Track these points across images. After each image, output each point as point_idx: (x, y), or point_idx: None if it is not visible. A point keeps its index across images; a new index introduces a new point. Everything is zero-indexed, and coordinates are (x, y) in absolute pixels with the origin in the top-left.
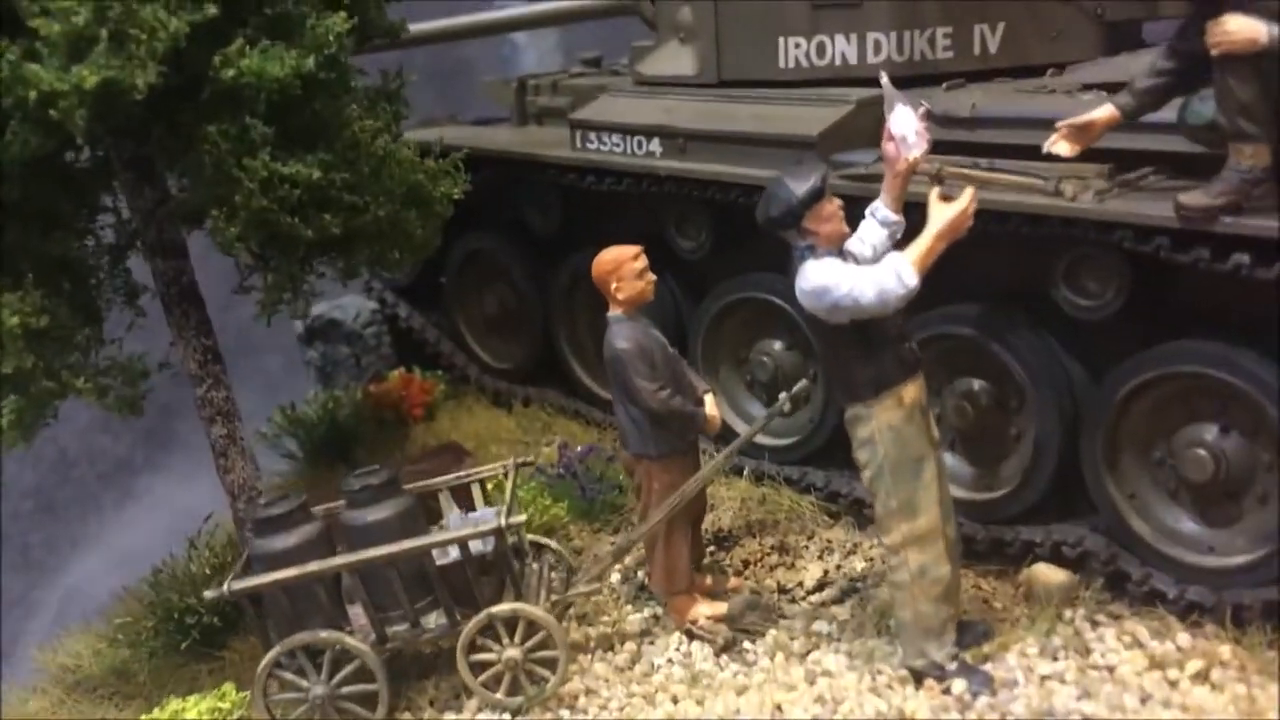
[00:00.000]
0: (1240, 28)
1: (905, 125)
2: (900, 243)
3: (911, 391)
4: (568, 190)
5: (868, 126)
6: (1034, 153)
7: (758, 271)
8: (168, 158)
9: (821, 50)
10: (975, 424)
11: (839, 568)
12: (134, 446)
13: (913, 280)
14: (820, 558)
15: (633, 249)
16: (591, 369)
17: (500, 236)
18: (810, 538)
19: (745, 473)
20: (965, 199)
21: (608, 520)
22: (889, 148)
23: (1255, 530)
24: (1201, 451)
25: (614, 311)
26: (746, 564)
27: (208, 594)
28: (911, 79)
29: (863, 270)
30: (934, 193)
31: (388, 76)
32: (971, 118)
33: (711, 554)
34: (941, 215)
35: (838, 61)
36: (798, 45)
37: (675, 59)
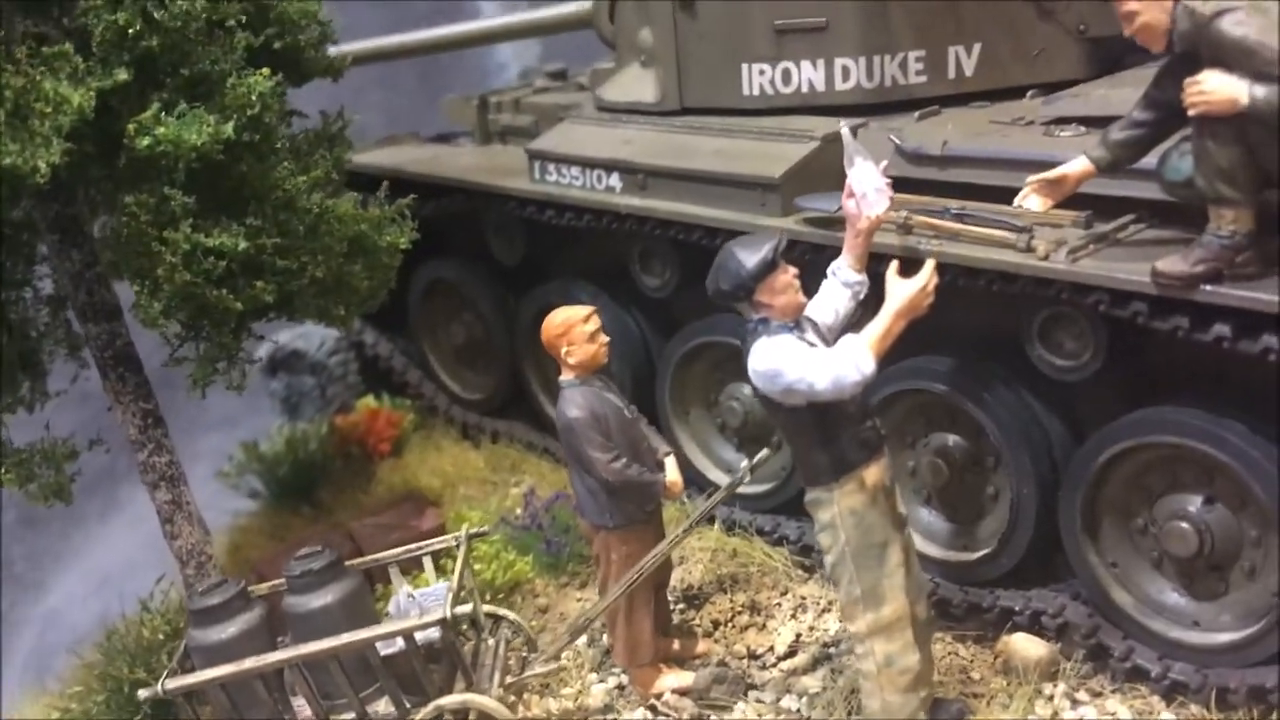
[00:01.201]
0: (1219, 88)
1: (866, 181)
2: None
3: (874, 473)
4: (529, 220)
5: (834, 163)
6: (1007, 195)
7: (725, 313)
8: (94, 218)
9: (787, 77)
10: (951, 482)
11: (812, 629)
12: (117, 454)
13: (869, 367)
14: (794, 616)
15: (584, 310)
16: None
17: (463, 265)
18: (783, 594)
19: (717, 523)
20: (925, 275)
21: (575, 573)
22: (849, 205)
23: (1242, 606)
24: (1184, 524)
25: (566, 376)
26: (717, 624)
27: (142, 694)
28: (883, 105)
29: (817, 355)
30: (892, 268)
31: (328, 119)
32: (943, 156)
33: (681, 612)
34: (900, 293)
35: (804, 89)
36: (762, 72)
37: (636, 84)
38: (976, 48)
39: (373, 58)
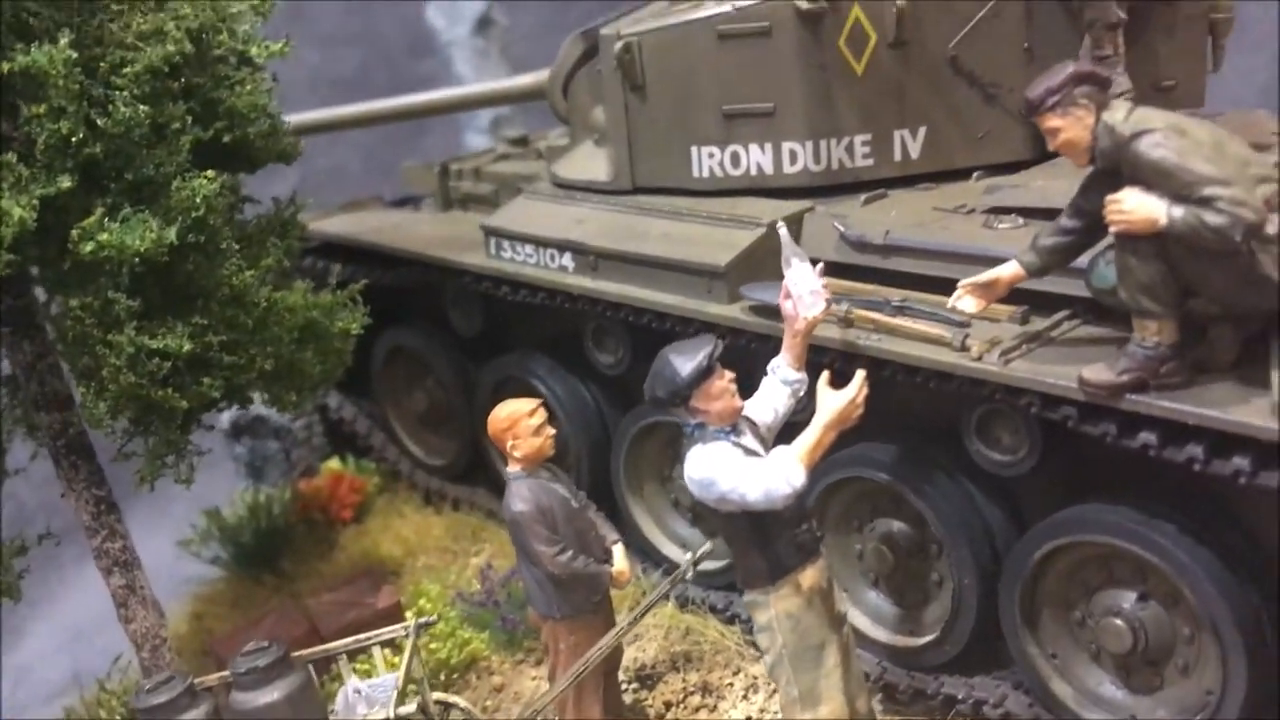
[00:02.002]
0: (1138, 207)
1: (802, 284)
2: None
3: (810, 576)
4: (486, 294)
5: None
6: (948, 285)
7: None
8: (46, 311)
9: (736, 160)
10: (896, 568)
11: (763, 711)
12: None
13: (800, 480)
14: (745, 698)
15: (530, 404)
16: None
17: (423, 333)
18: (735, 673)
19: (671, 599)
20: (854, 388)
21: (531, 649)
22: (786, 306)
23: (1177, 702)
24: (1119, 621)
25: (512, 468)
26: (669, 705)
27: None
28: (830, 188)
29: (750, 466)
30: (822, 379)
31: (280, 205)
32: (885, 245)
33: (634, 692)
34: (830, 405)
35: (753, 171)
36: (711, 155)
37: (590, 162)
38: (922, 131)
39: (328, 127)
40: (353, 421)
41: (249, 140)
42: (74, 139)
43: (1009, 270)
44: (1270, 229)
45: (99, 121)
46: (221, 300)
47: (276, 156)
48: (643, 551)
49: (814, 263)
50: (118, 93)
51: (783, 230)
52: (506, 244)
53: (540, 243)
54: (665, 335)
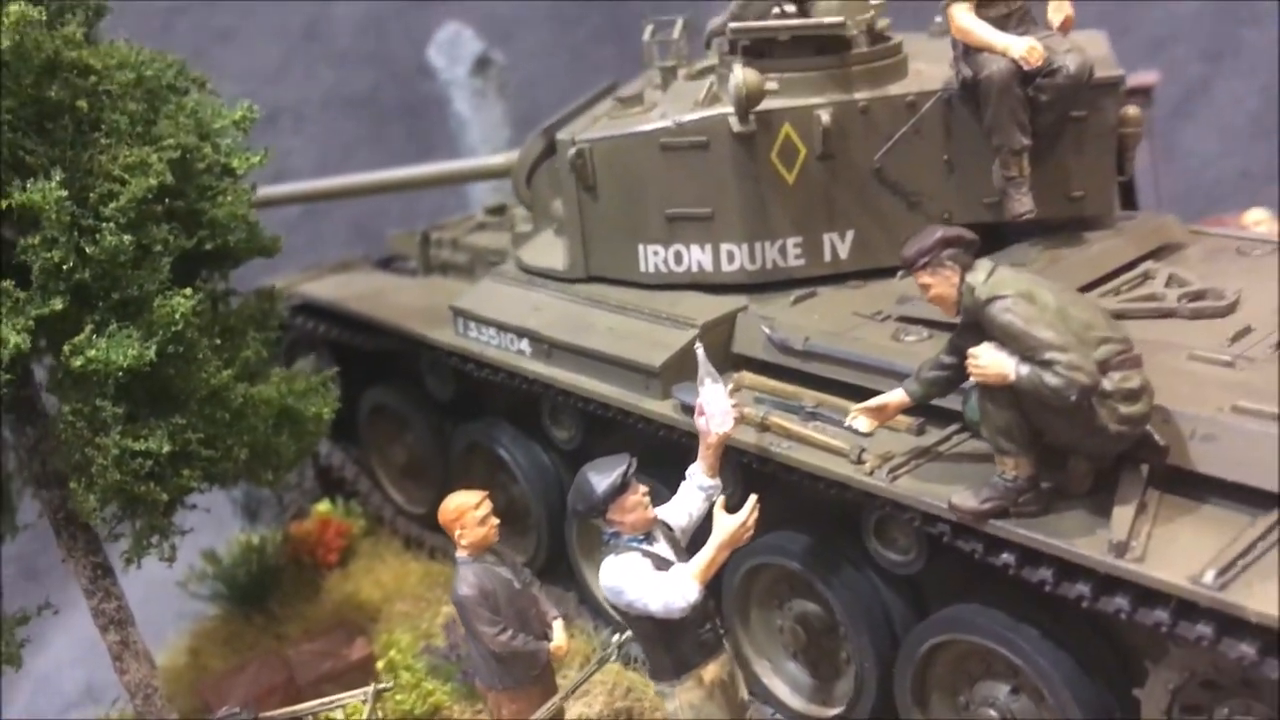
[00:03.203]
0: (991, 363)
1: (714, 403)
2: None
3: (712, 671)
4: (456, 366)
5: (718, 344)
6: (857, 391)
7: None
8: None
9: (679, 258)
10: (810, 644)
11: None
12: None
13: (694, 595)
14: None
15: (476, 497)
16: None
17: (402, 394)
18: None
19: (615, 656)
20: (745, 512)
21: None
22: (700, 422)
23: None
24: (993, 712)
25: (460, 554)
26: None
27: None
28: (764, 285)
29: (653, 580)
30: (718, 504)
31: (261, 297)
32: (805, 350)
33: None
34: (724, 527)
35: (694, 269)
36: (656, 252)
37: (549, 250)
38: (850, 234)
39: (303, 199)
40: (340, 468)
41: (230, 246)
42: (65, 266)
43: (896, 397)
44: (1107, 385)
45: (88, 249)
46: (200, 400)
47: (259, 253)
48: (596, 610)
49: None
50: (105, 223)
51: (699, 351)
52: (473, 325)
53: (501, 327)
54: (612, 420)
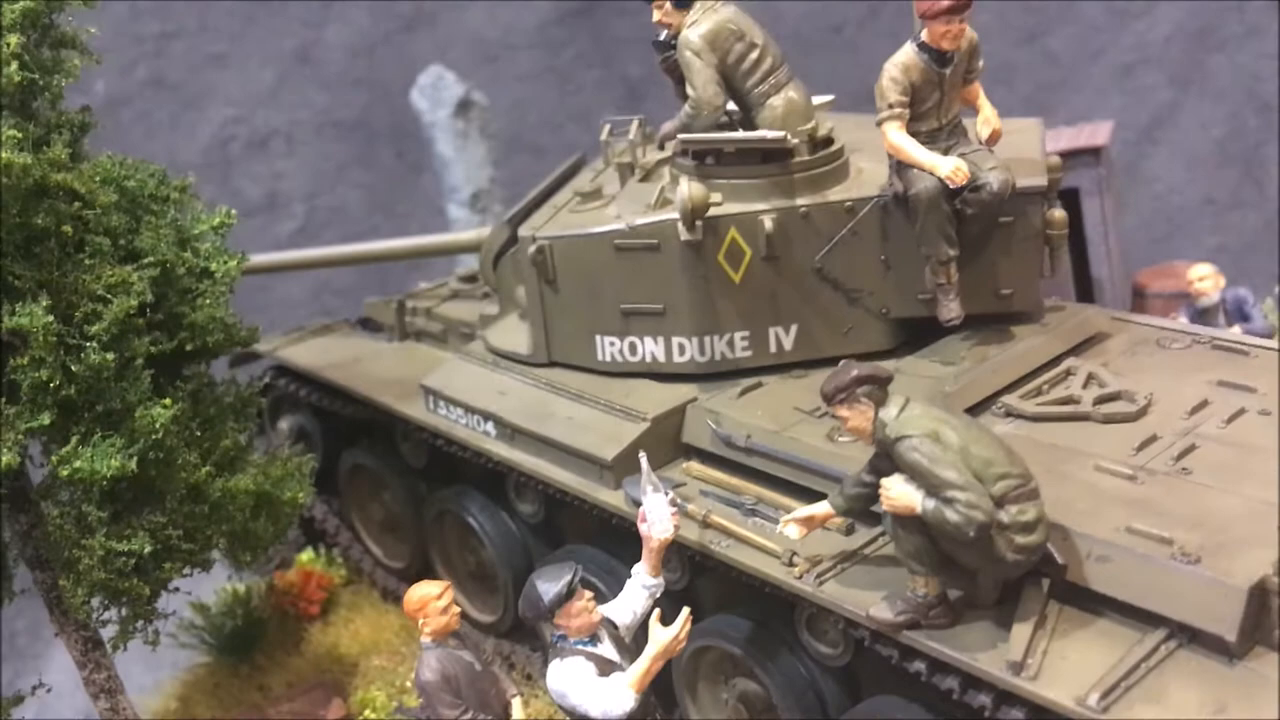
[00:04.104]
0: (899, 495)
1: (656, 511)
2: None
3: None
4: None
5: (668, 434)
6: (795, 489)
7: (585, 544)
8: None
9: (633, 349)
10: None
11: None
12: None
13: (630, 703)
14: None
15: (438, 588)
16: (465, 588)
17: (379, 457)
18: None
19: None
20: (678, 625)
21: None
22: (643, 527)
23: None
24: None
25: (424, 639)
26: None
27: None
28: (714, 374)
29: (592, 688)
30: (654, 617)
31: (239, 387)
32: (746, 446)
33: None
34: (658, 639)
35: (648, 359)
36: (612, 343)
37: (514, 334)
38: (794, 328)
39: (277, 269)
40: (323, 520)
41: (209, 346)
42: (52, 384)
43: (822, 509)
44: (1004, 518)
45: (73, 367)
46: (179, 498)
47: (239, 344)
48: None
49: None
50: (89, 342)
51: (644, 461)
52: (442, 403)
53: (468, 408)
54: (569, 503)
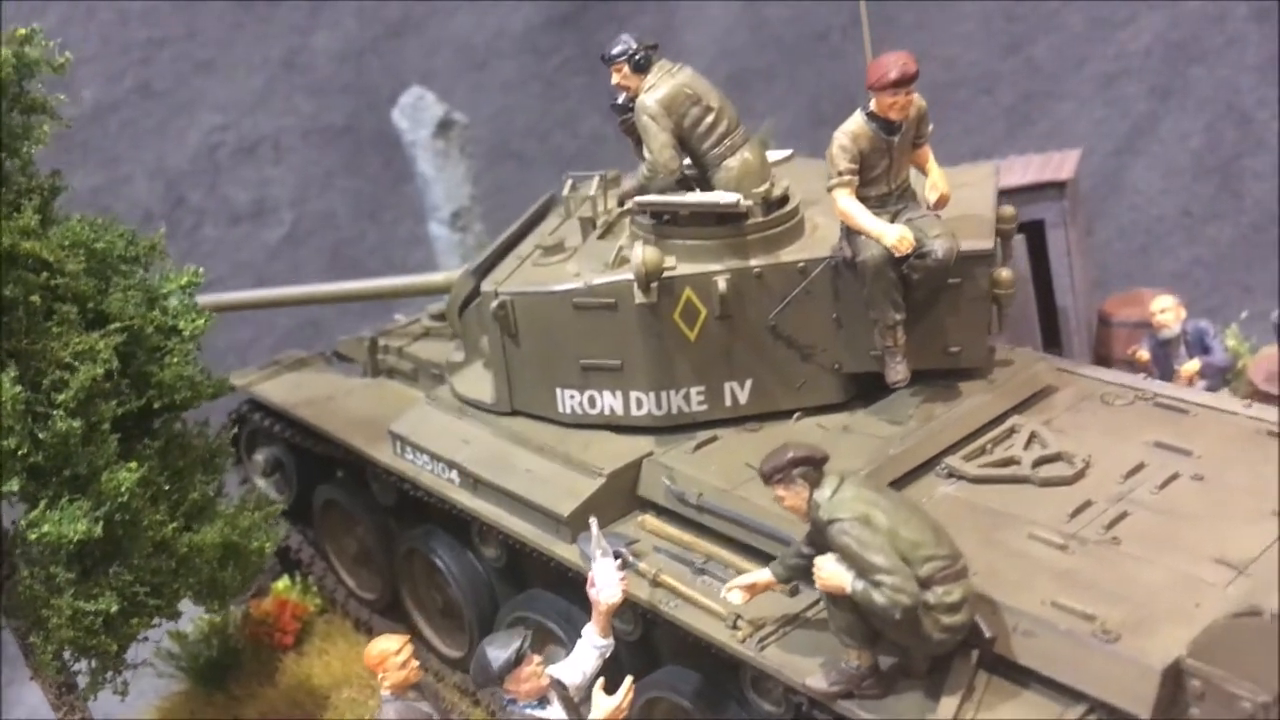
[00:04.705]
0: (830, 576)
1: (604, 576)
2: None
3: None
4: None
5: (625, 487)
6: (744, 548)
7: (548, 589)
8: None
9: (593, 402)
10: None
11: None
12: None
13: None
14: None
15: (397, 643)
16: (434, 623)
17: (350, 494)
18: None
19: None
20: (621, 695)
21: None
22: (591, 591)
23: None
24: None
25: (384, 692)
26: None
27: None
28: (671, 428)
29: None
30: (598, 685)
31: (209, 439)
32: (698, 505)
33: None
34: (601, 707)
35: (606, 412)
36: (572, 396)
37: (479, 383)
38: (749, 383)
39: (241, 307)
40: (298, 550)
41: (176, 404)
42: (20, 451)
43: (764, 578)
44: (930, 599)
45: (41, 435)
46: (146, 554)
47: (210, 397)
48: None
49: (618, 556)
50: (56, 410)
51: (594, 525)
52: (409, 449)
53: (433, 456)
54: (529, 552)
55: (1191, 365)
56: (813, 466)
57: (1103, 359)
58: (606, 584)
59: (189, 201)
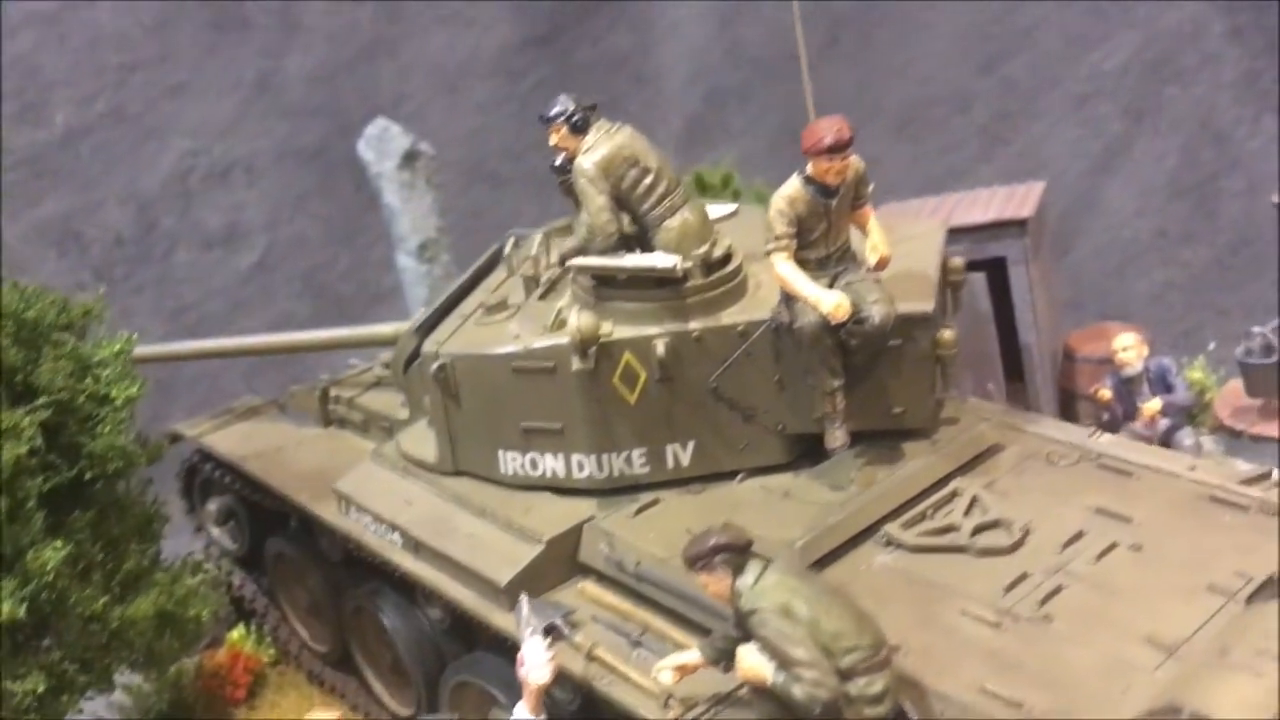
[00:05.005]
0: (750, 667)
1: (534, 656)
2: None
3: None
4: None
5: (566, 553)
6: (681, 619)
7: (488, 652)
8: None
9: (534, 464)
10: None
11: None
12: None
13: None
14: None
15: (333, 715)
16: (384, 679)
17: (300, 548)
18: None
19: None
20: None
21: None
22: (520, 671)
23: None
24: None
25: None
26: None
27: None
28: (614, 490)
29: None
30: None
31: (146, 504)
32: (636, 574)
33: None
34: None
35: (548, 474)
36: (514, 458)
37: (423, 442)
38: (691, 445)
39: (182, 358)
40: (253, 600)
41: (107, 475)
42: None
43: (694, 659)
44: (851, 691)
45: None
46: (75, 631)
47: (146, 461)
48: None
49: (551, 629)
50: None
51: (523, 603)
52: (353, 508)
53: (376, 517)
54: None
55: (1153, 405)
56: (735, 553)
57: (1068, 393)
58: (535, 664)
59: (161, 226)
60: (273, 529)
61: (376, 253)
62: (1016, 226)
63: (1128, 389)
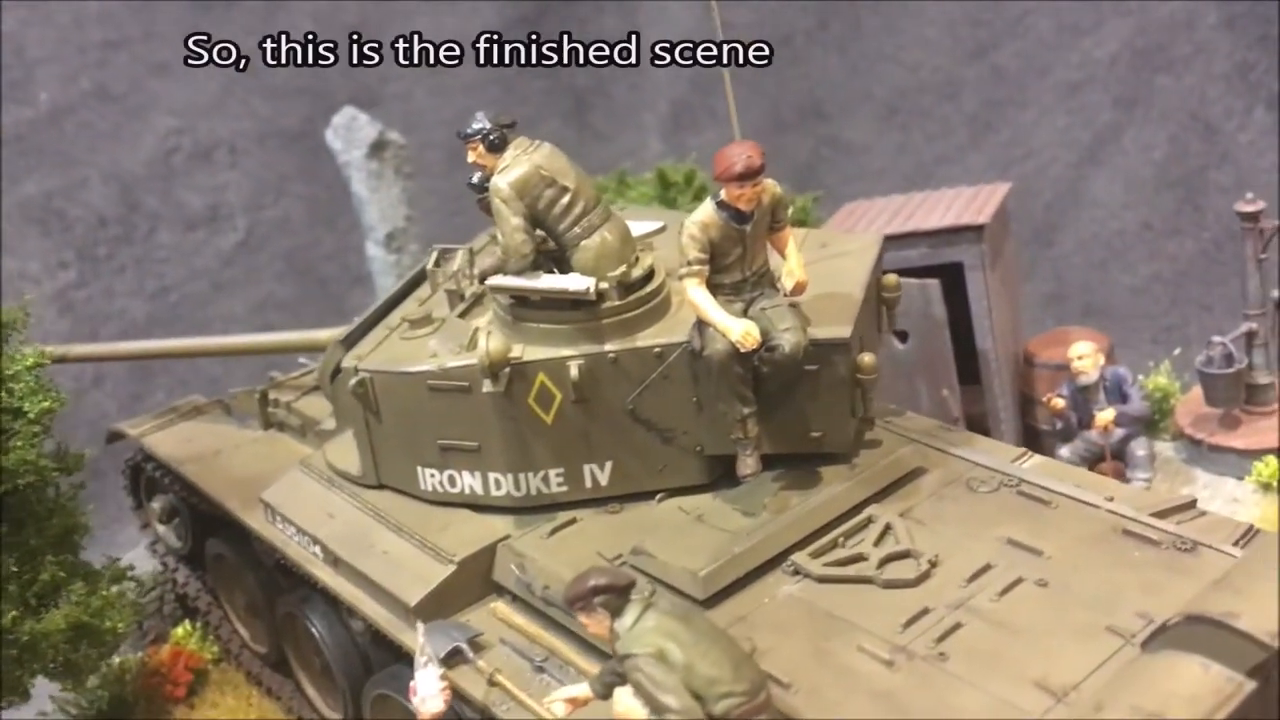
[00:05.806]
0: (624, 712)
1: (427, 686)
2: None
3: None
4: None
5: (480, 572)
6: (585, 644)
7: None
8: None
9: (453, 481)
10: None
11: None
12: None
13: None
14: None
15: None
16: (316, 682)
17: (236, 550)
18: None
19: None
20: None
21: None
22: (414, 700)
23: None
24: None
25: None
26: None
27: None
28: (532, 508)
29: None
30: None
31: (66, 512)
32: (544, 598)
33: None
34: None
35: (466, 491)
36: (433, 474)
37: (347, 453)
38: (609, 465)
39: (117, 358)
40: (195, 598)
41: (20, 489)
42: None
43: (583, 693)
44: None
45: None
46: None
47: (59, 477)
48: None
49: (455, 652)
50: None
51: (421, 633)
52: (278, 518)
53: (299, 529)
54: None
55: (1106, 415)
56: (615, 594)
57: (1027, 398)
58: (428, 695)
59: (144, 206)
60: (213, 530)
61: (357, 235)
62: (973, 232)
63: (1083, 397)
